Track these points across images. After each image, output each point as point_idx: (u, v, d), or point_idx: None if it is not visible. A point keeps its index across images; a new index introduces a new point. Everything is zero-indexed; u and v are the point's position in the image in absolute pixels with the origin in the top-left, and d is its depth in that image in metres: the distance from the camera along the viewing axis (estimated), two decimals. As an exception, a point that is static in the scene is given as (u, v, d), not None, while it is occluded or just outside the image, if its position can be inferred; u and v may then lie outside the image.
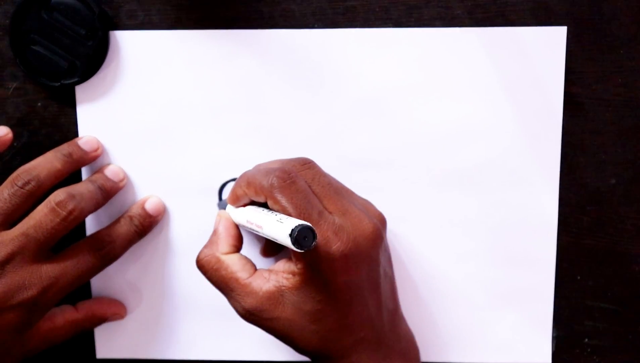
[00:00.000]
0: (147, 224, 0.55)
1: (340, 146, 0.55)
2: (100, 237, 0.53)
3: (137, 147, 0.55)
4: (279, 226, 0.44)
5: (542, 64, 0.53)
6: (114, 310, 0.56)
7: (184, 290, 0.57)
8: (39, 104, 0.55)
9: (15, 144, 0.55)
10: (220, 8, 0.53)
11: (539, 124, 0.54)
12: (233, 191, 0.50)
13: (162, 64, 0.54)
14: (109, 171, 0.54)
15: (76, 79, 0.54)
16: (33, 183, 0.50)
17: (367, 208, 0.50)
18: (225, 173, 0.55)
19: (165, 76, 0.54)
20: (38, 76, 0.54)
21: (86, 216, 0.52)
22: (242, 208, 0.50)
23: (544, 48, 0.53)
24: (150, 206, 0.55)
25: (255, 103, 0.54)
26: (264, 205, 0.49)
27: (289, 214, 0.46)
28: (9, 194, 0.50)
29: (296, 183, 0.47)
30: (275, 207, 0.47)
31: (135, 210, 0.55)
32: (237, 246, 0.50)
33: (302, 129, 0.54)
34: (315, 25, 0.53)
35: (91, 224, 0.56)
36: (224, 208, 0.52)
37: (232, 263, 0.49)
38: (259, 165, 0.52)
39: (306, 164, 0.49)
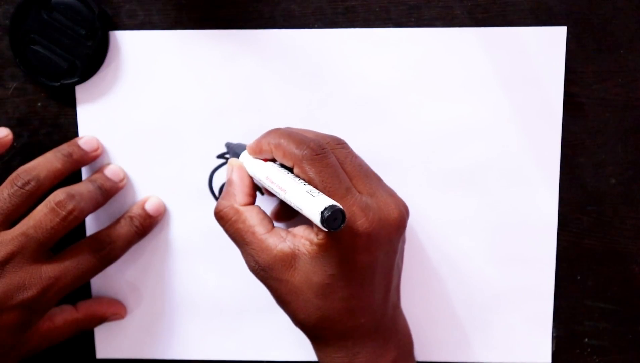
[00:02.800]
0: (147, 224, 0.55)
1: (340, 146, 0.55)
2: (100, 237, 0.53)
3: (137, 147, 0.55)
4: (309, 200, 0.44)
5: (542, 64, 0.53)
6: (114, 310, 0.56)
7: (183, 290, 0.57)
8: (39, 104, 0.55)
9: (15, 144, 0.55)
10: (220, 8, 0.53)
11: (539, 124, 0.54)
12: (258, 143, 0.49)
13: (162, 64, 0.54)
14: (109, 171, 0.54)
15: (76, 79, 0.54)
16: (33, 183, 0.50)
17: (393, 195, 0.50)
18: (225, 172, 0.55)
19: (165, 75, 0.54)
20: (38, 76, 0.54)
21: (86, 216, 0.52)
22: (262, 162, 0.49)
23: (544, 48, 0.53)
24: (150, 207, 0.55)
25: (255, 103, 0.54)
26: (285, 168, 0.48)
27: (315, 187, 0.45)
28: (8, 194, 0.50)
29: (327, 158, 0.47)
30: (301, 176, 0.46)
31: (135, 211, 0.55)
32: (254, 197, 0.50)
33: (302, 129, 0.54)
34: (315, 25, 0.53)
35: (91, 225, 0.56)
36: (235, 156, 0.51)
37: (250, 216, 0.48)
38: (291, 129, 0.50)
39: (340, 144, 0.49)
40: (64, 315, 0.54)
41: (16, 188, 0.50)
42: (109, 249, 0.53)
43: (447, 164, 0.54)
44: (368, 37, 0.53)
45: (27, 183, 0.50)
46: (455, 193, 0.55)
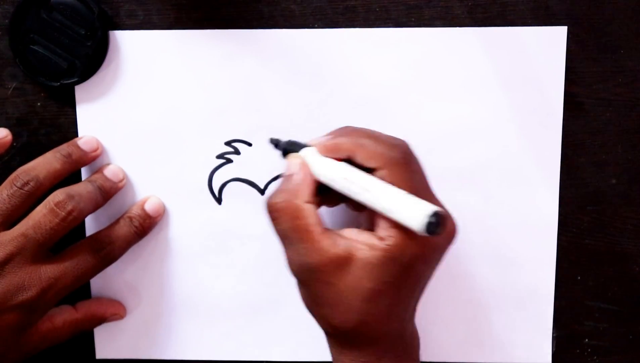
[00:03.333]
0: (147, 225, 0.55)
1: (340, 146, 0.55)
2: (99, 238, 0.53)
3: (137, 147, 0.55)
4: (412, 203, 0.43)
5: (542, 64, 0.53)
6: (114, 310, 0.56)
7: (183, 290, 0.57)
8: (39, 104, 0.55)
9: (14, 144, 0.55)
10: (220, 8, 0.53)
11: (539, 124, 0.54)
12: (335, 142, 0.47)
13: (162, 64, 0.54)
14: (109, 171, 0.54)
15: (76, 79, 0.53)
16: (32, 184, 0.50)
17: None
18: (226, 172, 0.55)
19: (165, 75, 0.54)
20: (38, 76, 0.53)
21: (85, 216, 0.52)
22: (336, 162, 0.47)
23: (544, 48, 0.53)
24: (150, 207, 0.55)
25: (255, 103, 0.54)
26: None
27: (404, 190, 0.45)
28: (8, 195, 0.50)
29: (416, 162, 0.46)
30: (387, 179, 0.45)
31: (135, 211, 0.55)
32: (315, 196, 0.48)
33: (302, 129, 0.54)
34: (315, 25, 0.53)
35: (91, 225, 0.56)
36: (291, 150, 0.49)
37: (310, 215, 0.46)
38: (370, 132, 0.48)
39: (411, 150, 0.48)
40: (63, 316, 0.54)
41: (15, 188, 0.50)
42: (108, 249, 0.52)
43: (447, 164, 0.54)
44: (368, 37, 0.53)
45: (27, 183, 0.50)
46: (455, 193, 0.55)
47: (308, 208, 0.46)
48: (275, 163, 0.55)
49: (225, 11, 0.53)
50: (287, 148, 0.49)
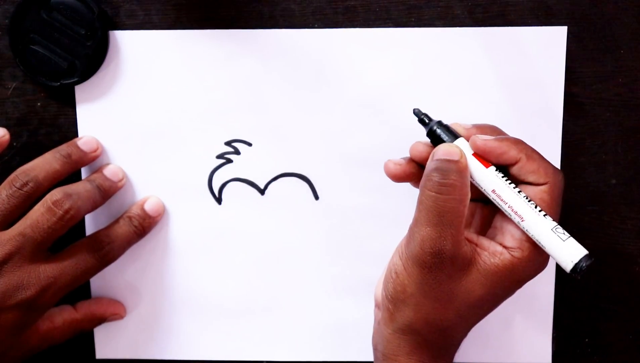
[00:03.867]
0: (147, 225, 0.55)
1: (341, 146, 0.55)
2: (99, 237, 0.53)
3: (137, 147, 0.55)
4: (559, 240, 0.44)
5: (542, 64, 0.53)
6: (113, 310, 0.56)
7: (183, 290, 0.57)
8: (39, 104, 0.55)
9: (14, 144, 0.55)
10: (220, 8, 0.53)
11: (540, 124, 0.54)
12: (503, 145, 0.46)
13: (162, 64, 0.54)
14: (108, 171, 0.54)
15: (76, 79, 0.53)
16: (31, 184, 0.50)
17: None
18: (226, 172, 0.55)
19: (165, 75, 0.54)
20: (37, 76, 0.53)
21: (83, 215, 0.52)
22: (487, 169, 0.46)
23: (544, 48, 0.53)
24: (149, 207, 0.55)
25: (255, 103, 0.54)
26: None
27: (551, 212, 0.45)
28: (7, 196, 0.50)
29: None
30: (544, 197, 0.46)
31: (134, 211, 0.55)
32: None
33: (302, 129, 0.54)
34: (315, 25, 0.53)
35: (91, 225, 0.56)
36: (449, 140, 0.47)
37: (467, 206, 0.45)
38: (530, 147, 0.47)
39: None
40: (63, 316, 0.54)
41: (14, 189, 0.50)
42: (107, 249, 0.52)
43: (447, 164, 0.54)
44: (368, 37, 0.53)
45: (26, 184, 0.50)
46: (456, 193, 0.55)
47: (468, 199, 0.45)
48: (275, 163, 0.55)
49: (225, 11, 0.53)
50: (437, 133, 0.48)
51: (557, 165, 0.54)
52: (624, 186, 0.55)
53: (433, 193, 0.45)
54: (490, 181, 0.46)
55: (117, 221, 0.54)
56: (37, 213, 0.50)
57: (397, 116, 0.54)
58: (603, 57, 0.53)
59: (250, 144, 0.55)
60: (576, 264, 0.44)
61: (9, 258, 0.49)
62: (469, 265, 0.45)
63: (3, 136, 0.52)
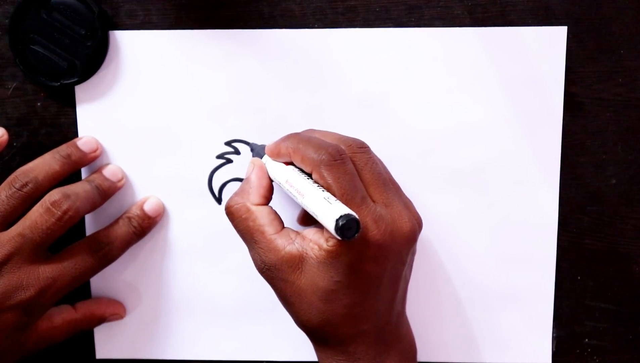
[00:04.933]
0: (146, 225, 0.55)
1: (340, 146, 0.55)
2: (98, 238, 0.53)
3: (137, 147, 0.55)
4: (325, 206, 0.44)
5: (542, 64, 0.53)
6: (113, 310, 0.56)
7: (183, 290, 0.57)
8: (39, 104, 0.55)
9: (14, 144, 0.55)
10: (220, 8, 0.53)
11: (539, 124, 0.54)
12: (277, 145, 0.49)
13: (162, 64, 0.54)
14: (107, 171, 0.54)
15: (76, 79, 0.53)
16: (31, 185, 0.50)
17: (409, 207, 0.50)
18: (226, 172, 0.55)
19: (165, 75, 0.54)
20: (38, 76, 0.53)
21: (82, 215, 0.52)
22: (282, 165, 0.49)
23: (544, 48, 0.53)
24: (149, 207, 0.55)
25: (255, 103, 0.54)
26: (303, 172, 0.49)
27: (331, 191, 0.46)
28: (6, 196, 0.50)
29: (345, 164, 0.47)
30: (320, 182, 0.46)
31: (134, 211, 0.55)
32: (268, 198, 0.50)
33: (302, 129, 0.54)
34: (315, 25, 0.53)
35: (90, 225, 0.56)
36: (259, 156, 0.52)
37: (261, 216, 0.48)
38: (313, 132, 0.51)
39: (362, 148, 0.49)
40: (62, 316, 0.54)
41: (14, 189, 0.50)
42: (107, 249, 0.52)
43: (448, 164, 0.54)
44: (368, 38, 0.53)
45: (25, 185, 0.50)
46: (456, 193, 0.55)
47: (258, 210, 0.48)
48: (275, 163, 0.55)
49: (225, 11, 0.53)
50: (259, 152, 0.52)
51: (557, 165, 0.54)
52: (624, 186, 0.55)
53: (230, 222, 0.50)
54: (283, 173, 0.49)
55: (116, 221, 0.54)
56: (36, 214, 0.50)
57: (397, 116, 0.54)
58: (603, 57, 0.53)
59: (250, 144, 0.55)
60: (336, 222, 0.42)
61: (8, 258, 0.49)
62: (301, 262, 0.47)
63: (2, 136, 0.52)
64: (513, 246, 0.55)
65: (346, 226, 0.43)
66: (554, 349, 0.57)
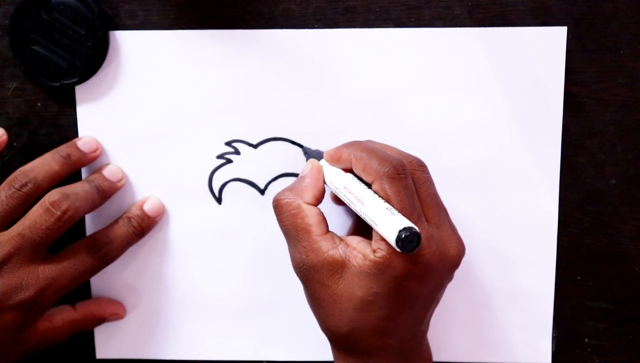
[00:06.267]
0: (146, 225, 0.55)
1: (340, 146, 0.55)
2: (98, 238, 0.53)
3: (137, 147, 0.55)
4: (388, 217, 0.44)
5: (542, 65, 0.53)
6: (113, 310, 0.56)
7: (183, 290, 0.57)
8: (39, 104, 0.55)
9: (14, 144, 0.55)
10: (220, 8, 0.53)
11: (539, 124, 0.54)
12: (338, 151, 0.49)
13: (162, 64, 0.54)
14: (107, 171, 0.54)
15: (76, 79, 0.54)
16: (30, 185, 0.50)
17: (455, 232, 0.49)
18: (226, 173, 0.55)
19: (165, 76, 0.54)
20: (38, 76, 0.53)
21: (81, 216, 0.52)
22: (341, 171, 0.49)
23: (544, 48, 0.53)
24: (149, 207, 0.55)
25: (255, 103, 0.54)
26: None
27: (390, 203, 0.45)
28: (6, 197, 0.50)
29: (407, 179, 0.46)
30: (379, 193, 0.46)
31: (134, 211, 0.55)
32: (319, 201, 0.49)
33: (302, 129, 0.54)
34: (315, 26, 0.53)
35: (90, 225, 0.56)
36: (315, 158, 0.51)
37: (311, 215, 0.48)
38: (373, 143, 0.51)
39: (421, 166, 0.49)
40: (62, 316, 0.54)
41: (14, 190, 0.50)
42: (106, 249, 0.53)
43: (447, 164, 0.54)
44: (368, 38, 0.53)
45: (25, 185, 0.50)
46: (455, 193, 0.55)
47: (309, 209, 0.48)
48: (276, 163, 0.55)
49: (225, 11, 0.54)
50: (312, 154, 0.52)
51: (557, 165, 0.54)
52: (624, 186, 0.55)
53: (276, 216, 0.49)
54: (341, 180, 0.48)
55: (116, 221, 0.54)
56: (35, 214, 0.50)
57: (397, 116, 0.54)
58: (603, 57, 0.53)
59: (250, 144, 0.55)
60: (399, 233, 0.43)
61: (8, 258, 0.49)
62: (343, 268, 0.46)
63: (1, 136, 0.52)
64: (513, 246, 0.55)
65: (408, 238, 0.43)
66: (554, 349, 0.57)
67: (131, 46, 0.54)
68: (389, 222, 0.44)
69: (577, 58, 0.53)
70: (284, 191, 0.49)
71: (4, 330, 0.50)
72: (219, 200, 0.56)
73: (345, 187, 0.48)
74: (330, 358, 0.55)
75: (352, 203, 0.47)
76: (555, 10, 0.53)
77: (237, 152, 0.55)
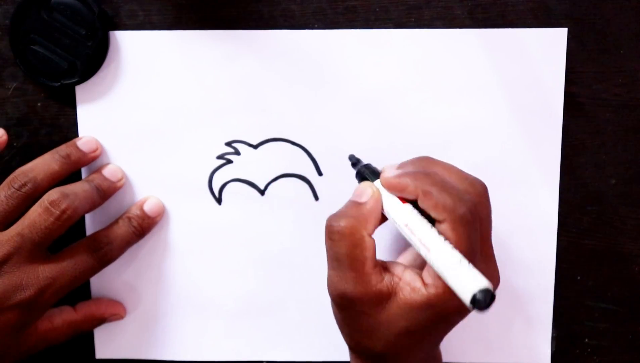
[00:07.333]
0: (146, 225, 0.55)
1: (341, 147, 0.55)
2: (98, 238, 0.53)
3: (137, 147, 0.55)
4: (462, 273, 0.42)
5: (542, 66, 0.53)
6: (113, 311, 0.56)
7: (182, 291, 0.57)
8: (39, 104, 0.55)
9: (14, 144, 0.55)
10: (220, 8, 0.53)
11: (540, 125, 0.54)
12: (401, 182, 0.46)
13: (162, 64, 0.54)
14: (107, 171, 0.54)
15: (76, 79, 0.54)
16: (30, 185, 0.50)
17: (495, 263, 0.49)
18: (226, 173, 0.55)
19: (165, 76, 0.54)
20: (38, 76, 0.53)
21: (81, 215, 0.52)
22: (400, 204, 0.46)
23: (544, 50, 0.53)
24: (149, 208, 0.55)
25: (255, 103, 0.54)
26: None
27: (460, 248, 0.43)
28: (5, 196, 0.50)
29: (477, 222, 0.45)
30: (447, 233, 0.44)
31: (134, 211, 0.55)
32: (376, 227, 0.47)
33: (302, 130, 0.54)
34: (315, 26, 0.53)
35: (91, 225, 0.56)
36: (370, 175, 0.49)
37: (370, 247, 0.46)
38: (434, 164, 0.48)
39: (486, 195, 0.47)
40: (63, 316, 0.54)
41: (13, 190, 0.50)
42: (106, 249, 0.52)
43: (447, 164, 0.54)
44: (368, 38, 0.53)
45: (24, 185, 0.50)
46: (456, 193, 0.55)
47: (369, 241, 0.46)
48: (276, 163, 0.55)
49: (225, 11, 0.54)
50: (362, 172, 0.50)
51: (557, 165, 0.54)
52: (624, 186, 0.55)
53: (327, 239, 0.47)
54: (402, 215, 0.46)
55: (116, 221, 0.54)
56: (35, 214, 0.50)
57: (397, 116, 0.54)
58: (603, 57, 0.53)
59: (250, 145, 0.55)
60: (474, 295, 0.41)
61: (7, 258, 0.49)
62: (388, 299, 0.45)
63: (1, 137, 0.52)
64: (513, 246, 0.55)
65: (484, 299, 0.41)
66: (553, 349, 0.57)
67: (131, 46, 0.54)
68: (463, 279, 0.42)
69: (577, 58, 0.53)
70: (341, 216, 0.46)
71: (4, 330, 0.49)
72: (219, 200, 0.56)
73: (406, 225, 0.45)
74: (330, 358, 0.56)
75: (414, 243, 0.45)
76: (556, 10, 0.53)
77: (237, 152, 0.55)
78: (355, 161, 0.51)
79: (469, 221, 0.44)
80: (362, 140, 0.54)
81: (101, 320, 0.56)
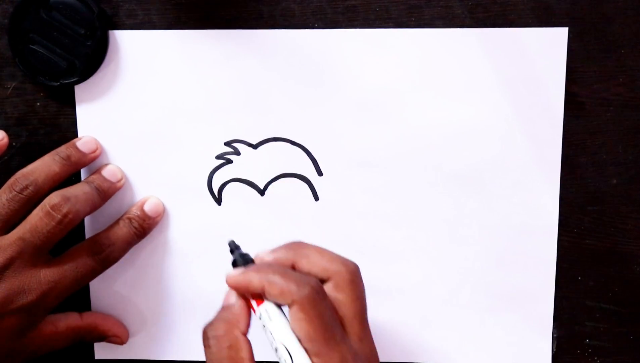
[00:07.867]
0: (147, 226, 0.55)
1: (340, 146, 0.54)
2: (99, 240, 0.53)
3: (137, 147, 0.55)
4: None
5: (543, 65, 0.53)
6: (117, 332, 0.56)
7: (182, 291, 0.57)
8: (38, 103, 0.55)
9: (14, 144, 0.55)
10: (220, 8, 0.53)
11: (540, 125, 0.54)
12: (246, 279, 0.45)
13: (162, 63, 0.54)
14: (107, 172, 0.54)
15: (75, 79, 0.53)
16: (31, 188, 0.50)
17: (372, 339, 0.47)
18: (225, 173, 0.55)
19: (164, 75, 0.54)
20: (37, 76, 0.53)
21: (82, 218, 0.51)
22: (257, 307, 0.46)
23: (545, 49, 0.53)
24: (149, 208, 0.55)
25: (254, 103, 0.54)
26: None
27: (314, 329, 0.43)
28: (7, 200, 0.50)
29: (326, 299, 0.44)
30: (298, 317, 0.43)
31: (134, 212, 0.54)
32: (249, 325, 0.46)
33: (302, 130, 0.54)
34: (315, 25, 0.53)
35: (90, 226, 0.56)
36: (242, 265, 0.48)
37: (246, 348, 0.45)
38: (305, 247, 0.47)
39: (357, 274, 0.46)
40: (67, 322, 0.53)
41: (14, 193, 0.50)
42: (108, 251, 0.52)
43: (448, 164, 0.54)
44: (368, 38, 0.53)
45: (25, 188, 0.50)
46: (456, 194, 0.55)
47: (244, 341, 0.45)
48: (275, 163, 0.55)
49: (225, 11, 0.53)
50: (236, 261, 0.48)
51: (557, 165, 0.54)
52: (625, 186, 0.55)
53: (204, 348, 0.45)
54: (262, 320, 0.45)
55: (116, 222, 0.54)
56: (36, 218, 0.50)
57: (397, 116, 0.54)
58: (603, 57, 0.53)
59: (250, 145, 0.55)
60: None
61: (9, 263, 0.49)
62: None
63: (2, 140, 0.52)
64: (513, 247, 0.55)
65: None
66: (554, 350, 0.57)
67: (131, 46, 0.54)
68: None
69: (578, 58, 0.53)
70: (214, 321, 0.46)
71: (7, 334, 0.49)
72: (218, 201, 0.56)
73: (265, 327, 0.45)
74: None
75: (273, 344, 0.45)
76: (556, 9, 0.53)
77: (236, 152, 0.55)
78: (232, 249, 0.49)
79: (316, 300, 0.43)
80: (362, 140, 0.54)
81: (103, 336, 0.55)
